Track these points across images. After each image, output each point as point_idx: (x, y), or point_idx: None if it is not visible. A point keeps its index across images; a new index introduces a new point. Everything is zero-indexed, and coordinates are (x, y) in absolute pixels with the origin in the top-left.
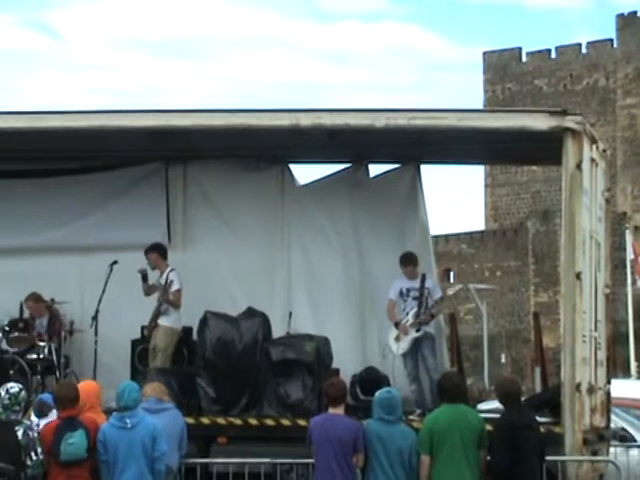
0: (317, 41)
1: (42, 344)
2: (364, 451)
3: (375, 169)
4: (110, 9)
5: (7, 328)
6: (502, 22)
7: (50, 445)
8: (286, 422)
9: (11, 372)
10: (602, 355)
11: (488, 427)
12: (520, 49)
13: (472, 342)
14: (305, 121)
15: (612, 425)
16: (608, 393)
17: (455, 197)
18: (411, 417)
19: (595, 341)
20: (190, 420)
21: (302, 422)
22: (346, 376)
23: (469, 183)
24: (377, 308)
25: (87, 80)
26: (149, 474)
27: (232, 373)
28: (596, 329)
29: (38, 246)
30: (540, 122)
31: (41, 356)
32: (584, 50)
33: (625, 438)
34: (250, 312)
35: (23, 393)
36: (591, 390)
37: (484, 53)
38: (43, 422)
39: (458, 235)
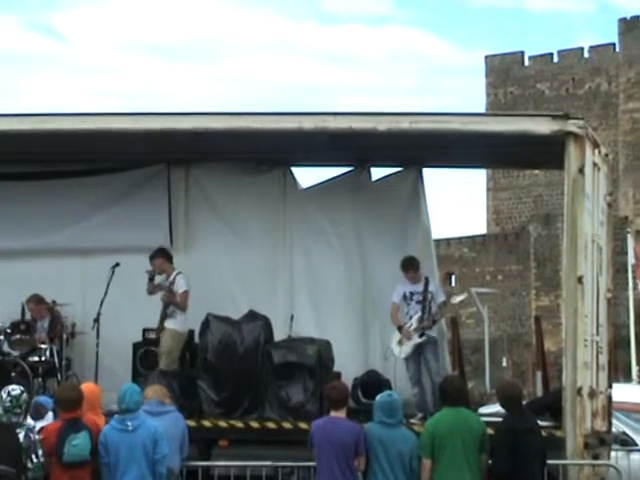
0: (320, 44)
1: (44, 346)
2: (365, 454)
3: (377, 172)
4: (114, 12)
5: (9, 330)
6: (505, 26)
7: (53, 446)
8: (287, 425)
9: (13, 374)
10: (603, 359)
11: (489, 431)
12: (522, 53)
13: (473, 346)
14: (308, 124)
15: (613, 429)
16: (609, 397)
17: (457, 201)
18: (412, 420)
19: (597, 345)
20: (191, 423)
21: (303, 425)
22: (348, 379)
23: (471, 187)
24: (379, 311)
25: (90, 82)
26: (150, 477)
27: (234, 376)
28: (598, 333)
29: (40, 248)
30: (542, 126)
31: (43, 358)
32: (586, 54)
33: (626, 442)
34: (252, 315)
35: (25, 395)
36: (592, 394)
37: (486, 57)
38: (39, 425)
39: (460, 239)
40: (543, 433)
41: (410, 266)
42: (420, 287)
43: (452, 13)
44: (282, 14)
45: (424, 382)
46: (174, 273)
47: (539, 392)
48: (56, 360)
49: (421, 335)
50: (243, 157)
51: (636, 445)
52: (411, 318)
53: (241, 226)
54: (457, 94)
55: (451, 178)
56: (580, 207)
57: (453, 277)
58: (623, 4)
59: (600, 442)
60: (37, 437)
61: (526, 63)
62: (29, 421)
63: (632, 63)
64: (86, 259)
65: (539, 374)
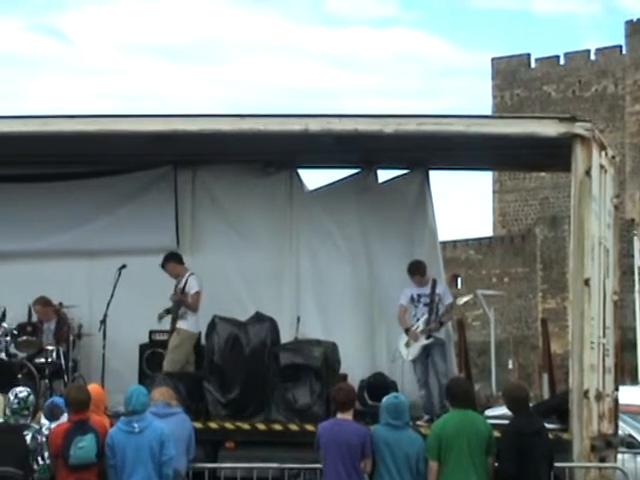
0: (324, 46)
1: (50, 348)
2: (372, 456)
3: (384, 175)
4: (118, 13)
5: (15, 332)
6: (511, 28)
7: (59, 448)
8: (294, 427)
9: (19, 376)
10: (610, 362)
11: (496, 433)
12: (529, 55)
13: (480, 348)
14: (314, 126)
15: (620, 432)
16: (616, 400)
17: (463, 203)
18: (419, 423)
19: (603, 348)
20: (198, 425)
21: (310, 427)
22: (354, 381)
23: (477, 189)
24: (385, 313)
25: (95, 84)
26: (157, 478)
27: (240, 378)
28: (604, 336)
29: (47, 250)
30: (549, 128)
31: (49, 360)
32: (593, 56)
33: (633, 445)
34: (258, 317)
35: (31, 397)
36: (599, 397)
37: (493, 59)
38: (54, 425)
39: (466, 241)
40: (550, 436)
41: (416, 270)
42: (427, 289)
43: (457, 15)
44: (286, 16)
45: (431, 384)
46: (187, 274)
47: (546, 394)
48: (63, 362)
49: (428, 337)
50: (249, 159)
51: None
52: (418, 320)
53: (247, 228)
54: (462, 96)
55: (457, 180)
56: (587, 209)
57: (459, 279)
58: (630, 6)
59: (607, 445)
60: (44, 439)
61: (532, 65)
62: (44, 422)
63: (639, 65)
64: (93, 261)
65: (545, 376)
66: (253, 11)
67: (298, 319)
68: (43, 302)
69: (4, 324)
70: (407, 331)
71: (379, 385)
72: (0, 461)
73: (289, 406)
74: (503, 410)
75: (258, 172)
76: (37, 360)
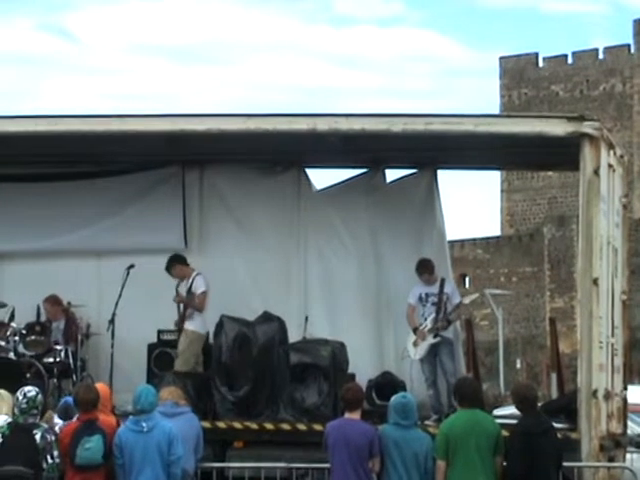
0: (332, 45)
1: (59, 348)
2: (380, 456)
3: (392, 174)
4: (126, 14)
5: (24, 331)
6: (518, 27)
7: (67, 447)
8: (302, 427)
9: (28, 375)
10: (619, 361)
11: (504, 433)
12: (537, 54)
13: (487, 347)
14: (322, 126)
15: (629, 431)
16: (625, 399)
17: (471, 202)
18: (427, 422)
19: (612, 347)
20: (206, 424)
21: (318, 427)
22: (362, 381)
23: (485, 188)
24: (394, 313)
25: (103, 84)
26: (165, 478)
27: (248, 377)
28: (613, 335)
29: (55, 250)
30: (557, 128)
31: (58, 359)
32: (601, 55)
33: None
34: (266, 316)
35: (40, 397)
36: (607, 396)
37: (501, 58)
38: (65, 424)
39: (474, 240)
40: (558, 435)
41: (425, 269)
42: (436, 288)
43: (464, 14)
44: (294, 16)
45: (439, 383)
46: (193, 274)
47: (554, 394)
48: (71, 361)
49: (435, 336)
50: (257, 158)
51: None
52: (426, 319)
53: (255, 228)
54: (470, 95)
55: (465, 180)
56: (595, 209)
57: (467, 279)
58: (638, 5)
59: (615, 444)
60: (53, 438)
61: (540, 64)
62: (57, 421)
63: None
64: (101, 260)
65: (554, 376)
66: (260, 11)
67: (306, 319)
68: (53, 301)
69: (13, 324)
70: (415, 330)
71: (387, 384)
72: (10, 460)
73: (297, 405)
74: (511, 410)
75: (266, 171)
76: (46, 359)
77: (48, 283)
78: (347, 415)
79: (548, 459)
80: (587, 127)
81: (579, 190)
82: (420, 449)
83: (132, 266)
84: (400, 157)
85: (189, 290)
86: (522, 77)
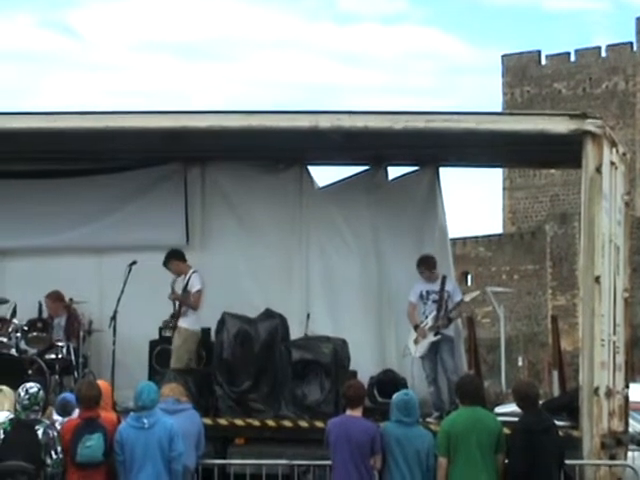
0: (336, 43)
1: (60, 344)
2: (381, 453)
3: (394, 171)
4: (129, 10)
5: (26, 328)
6: (521, 25)
7: (68, 444)
8: (303, 424)
9: (29, 372)
10: (620, 359)
11: (506, 430)
12: (539, 52)
13: (489, 345)
14: (324, 123)
15: (630, 429)
16: (626, 397)
17: (473, 200)
18: (429, 419)
19: (614, 345)
20: (207, 421)
21: (319, 424)
22: (364, 378)
23: (487, 186)
24: (395, 310)
25: (106, 81)
26: (166, 474)
27: (250, 374)
28: (615, 333)
29: (57, 246)
30: (560, 125)
31: (59, 356)
32: (603, 53)
33: None
34: (268, 313)
35: (42, 393)
36: (609, 394)
37: (503, 56)
38: (66, 420)
39: (476, 238)
40: (560, 433)
41: (426, 264)
42: (437, 286)
43: (467, 12)
44: (297, 13)
45: (440, 381)
46: (190, 272)
47: (555, 392)
48: (73, 358)
49: (436, 334)
50: (259, 155)
51: None
52: (427, 317)
53: (257, 225)
54: (472, 93)
55: (467, 177)
56: (597, 206)
57: (469, 276)
58: None
59: (617, 442)
60: (56, 434)
61: (543, 62)
62: (56, 417)
63: None
64: (103, 257)
65: (555, 374)
66: (264, 8)
67: (308, 316)
68: (54, 297)
69: (14, 320)
70: (416, 328)
71: (389, 382)
72: (12, 456)
73: (299, 402)
74: (513, 407)
75: (268, 169)
76: (47, 356)
77: (50, 280)
78: (349, 412)
79: (550, 457)
80: (589, 125)
81: (581, 188)
82: (422, 446)
83: (134, 263)
84: (402, 155)
85: (185, 288)
86: (525, 75)
